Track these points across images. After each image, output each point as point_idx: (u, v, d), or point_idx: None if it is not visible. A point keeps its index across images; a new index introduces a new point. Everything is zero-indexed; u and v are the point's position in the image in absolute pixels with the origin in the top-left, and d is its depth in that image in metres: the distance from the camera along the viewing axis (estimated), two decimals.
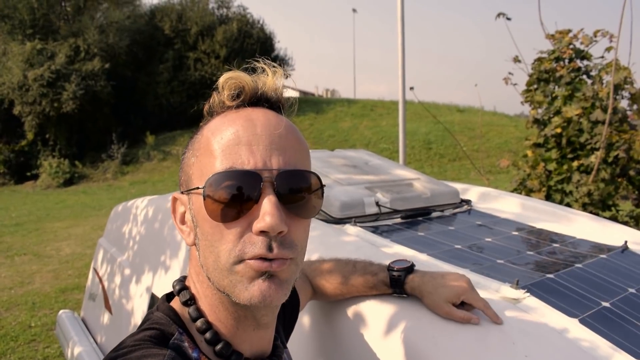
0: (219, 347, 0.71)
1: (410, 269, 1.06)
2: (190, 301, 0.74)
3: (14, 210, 12.07)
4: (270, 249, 0.65)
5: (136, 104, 21.45)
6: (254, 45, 21.56)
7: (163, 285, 1.91)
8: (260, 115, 0.70)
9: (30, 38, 19.04)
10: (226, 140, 0.68)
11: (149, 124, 20.68)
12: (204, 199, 0.66)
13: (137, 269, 2.22)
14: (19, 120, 19.11)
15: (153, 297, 1.97)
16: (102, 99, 19.34)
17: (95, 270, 2.85)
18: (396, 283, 1.05)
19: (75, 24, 20.24)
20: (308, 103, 23.12)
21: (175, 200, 0.77)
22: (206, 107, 0.75)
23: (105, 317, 2.53)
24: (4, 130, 19.97)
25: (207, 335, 0.71)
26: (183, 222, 0.76)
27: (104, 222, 3.02)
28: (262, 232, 0.64)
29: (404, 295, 1.07)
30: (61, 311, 3.02)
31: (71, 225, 9.68)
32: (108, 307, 2.50)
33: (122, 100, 20.54)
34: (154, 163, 18.63)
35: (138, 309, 2.09)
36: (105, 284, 2.61)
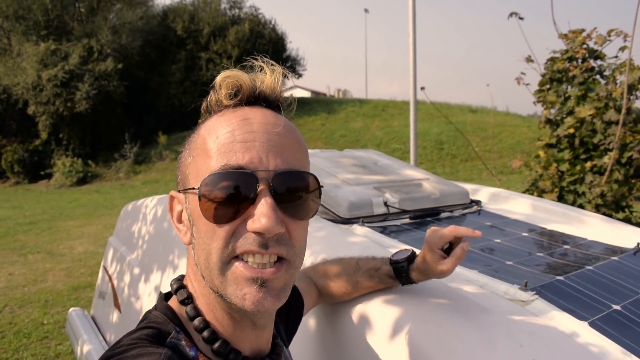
0: (217, 345, 0.70)
1: (411, 257, 1.05)
2: (188, 300, 0.74)
3: (27, 209, 12.20)
4: (265, 247, 0.64)
5: (149, 104, 21.60)
6: (265, 45, 21.61)
7: None
8: (257, 114, 0.69)
9: (44, 39, 19.23)
10: (222, 139, 0.66)
11: (161, 124, 20.81)
12: (199, 199, 0.65)
13: (146, 267, 2.23)
14: (33, 120, 19.33)
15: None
16: (115, 99, 19.50)
17: (105, 268, 2.87)
18: (400, 273, 1.04)
19: (88, 25, 20.43)
20: (320, 103, 23.10)
21: (172, 198, 0.76)
22: (204, 106, 0.74)
23: (115, 316, 2.54)
24: (19, 129, 20.21)
25: (205, 333, 0.70)
26: (180, 220, 0.76)
27: (117, 221, 3.04)
28: (257, 233, 0.64)
29: (410, 285, 1.07)
30: (71, 309, 3.04)
31: (84, 224, 9.75)
32: (117, 305, 2.52)
33: (135, 100, 20.70)
34: (166, 163, 18.73)
35: (146, 307, 2.10)
36: (115, 282, 2.62)
